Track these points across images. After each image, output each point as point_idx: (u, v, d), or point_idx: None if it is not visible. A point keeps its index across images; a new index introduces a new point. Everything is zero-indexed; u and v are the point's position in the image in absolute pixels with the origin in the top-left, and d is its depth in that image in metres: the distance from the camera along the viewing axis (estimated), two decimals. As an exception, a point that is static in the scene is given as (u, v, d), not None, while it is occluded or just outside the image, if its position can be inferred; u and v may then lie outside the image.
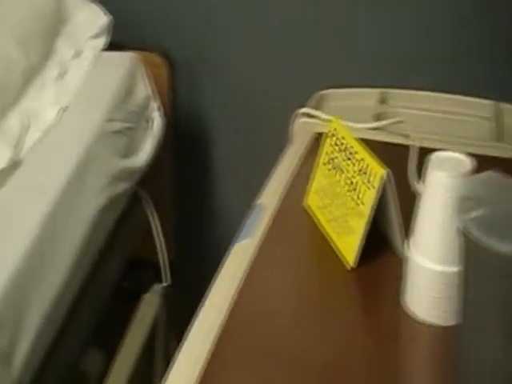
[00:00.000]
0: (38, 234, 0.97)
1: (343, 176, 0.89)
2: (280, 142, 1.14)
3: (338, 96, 1.24)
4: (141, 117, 1.25)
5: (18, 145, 1.07)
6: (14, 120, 1.10)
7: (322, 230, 0.90)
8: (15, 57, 1.15)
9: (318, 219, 0.92)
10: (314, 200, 0.94)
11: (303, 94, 1.21)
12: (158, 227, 1.21)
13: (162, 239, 1.21)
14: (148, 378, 1.21)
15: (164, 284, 1.22)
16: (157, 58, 1.36)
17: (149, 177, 1.24)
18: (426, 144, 1.05)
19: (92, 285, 1.07)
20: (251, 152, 1.40)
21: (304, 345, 0.76)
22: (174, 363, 0.73)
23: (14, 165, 1.05)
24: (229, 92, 1.38)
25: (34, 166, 1.06)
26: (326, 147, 0.94)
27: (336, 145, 0.92)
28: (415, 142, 1.05)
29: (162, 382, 0.72)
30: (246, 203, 1.42)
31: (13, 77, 1.14)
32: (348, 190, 0.87)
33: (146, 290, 1.22)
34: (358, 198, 0.85)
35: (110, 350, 1.10)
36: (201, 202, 1.46)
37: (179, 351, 0.74)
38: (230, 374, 0.73)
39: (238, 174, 1.42)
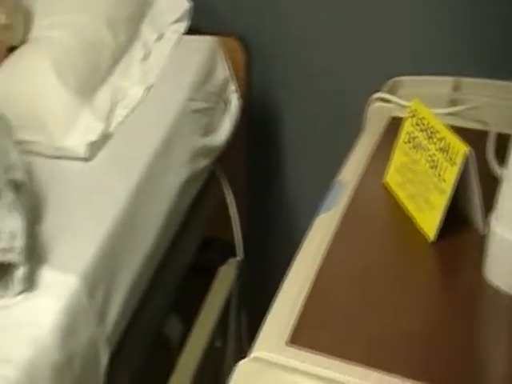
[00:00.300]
0: (127, 204, 1.03)
1: (424, 154, 0.92)
2: (351, 126, 1.18)
3: (411, 83, 1.27)
4: (219, 98, 1.30)
5: (108, 119, 1.14)
6: (104, 96, 1.17)
7: (401, 205, 0.94)
8: (106, 38, 1.22)
9: (398, 195, 0.95)
10: (393, 177, 0.97)
11: (376, 80, 1.25)
12: (233, 203, 1.26)
13: (237, 215, 1.26)
14: (221, 351, 1.26)
15: (238, 258, 1.27)
16: (233, 43, 1.41)
17: (224, 156, 1.29)
18: (500, 130, 1.07)
19: (173, 255, 1.13)
20: (322, 135, 1.44)
21: (384, 315, 0.79)
22: (264, 324, 0.77)
23: (105, 138, 1.12)
24: (302, 77, 1.42)
25: (123, 140, 1.13)
26: (407, 127, 0.97)
27: (417, 125, 0.95)
28: (492, 128, 1.08)
29: (253, 342, 0.76)
30: (317, 182, 1.46)
31: (103, 56, 1.20)
32: (429, 168, 0.90)
33: (221, 264, 1.27)
34: (440, 175, 0.88)
35: (189, 318, 1.15)
36: (272, 181, 1.51)
37: (269, 313, 0.79)
38: (314, 337, 0.76)
39: (310, 156, 1.46)
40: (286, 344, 0.74)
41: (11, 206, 0.90)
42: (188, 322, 1.15)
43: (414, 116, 0.97)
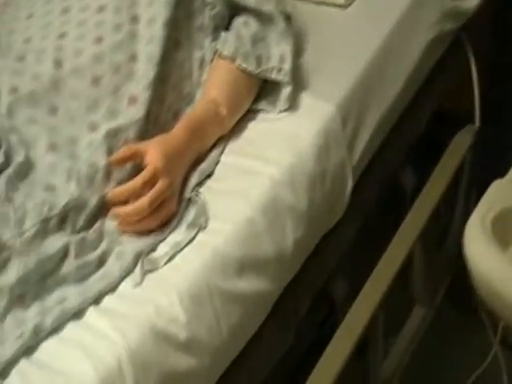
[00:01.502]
0: (379, 50, 1.08)
1: None
2: None
3: None
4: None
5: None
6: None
7: None
8: None
9: None
10: None
11: None
12: (475, 69, 1.25)
13: (477, 81, 1.25)
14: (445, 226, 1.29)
15: (476, 125, 1.27)
16: None
17: (471, 24, 1.28)
18: None
19: (413, 110, 1.16)
20: None
21: None
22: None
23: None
24: None
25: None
26: None
27: None
28: None
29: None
30: None
31: None
32: None
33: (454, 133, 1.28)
34: None
35: (422, 176, 1.19)
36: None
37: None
38: None
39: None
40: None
41: (283, 33, 0.99)
42: (420, 178, 1.18)
43: None
